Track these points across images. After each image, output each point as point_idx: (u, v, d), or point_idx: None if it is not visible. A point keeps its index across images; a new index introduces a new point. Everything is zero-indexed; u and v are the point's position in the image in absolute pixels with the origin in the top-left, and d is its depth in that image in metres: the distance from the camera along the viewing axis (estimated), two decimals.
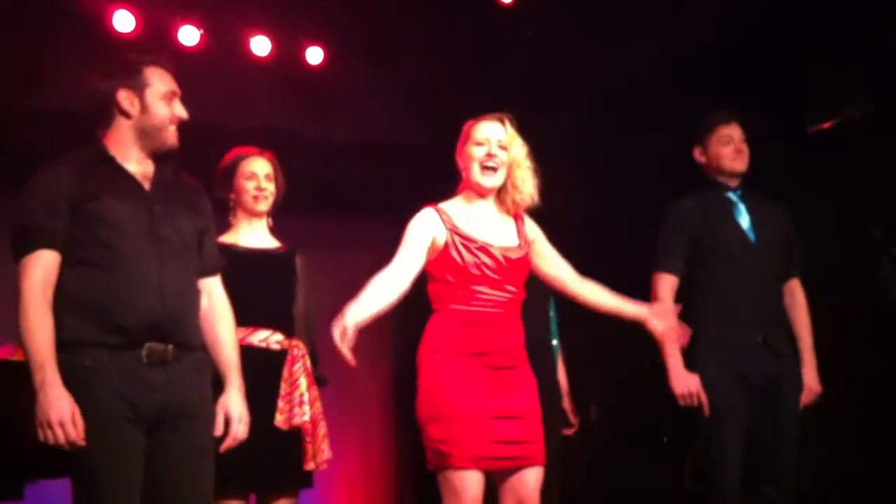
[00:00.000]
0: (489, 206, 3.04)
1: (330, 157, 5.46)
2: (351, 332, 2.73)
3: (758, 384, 3.46)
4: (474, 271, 2.92)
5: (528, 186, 3.02)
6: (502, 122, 3.02)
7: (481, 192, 3.02)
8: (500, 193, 3.04)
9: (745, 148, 3.63)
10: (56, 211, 2.58)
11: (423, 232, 2.97)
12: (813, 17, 4.21)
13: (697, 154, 3.70)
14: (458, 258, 2.92)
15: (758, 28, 4.44)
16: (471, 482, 2.81)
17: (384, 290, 2.87)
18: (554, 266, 3.13)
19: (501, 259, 2.94)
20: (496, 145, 2.99)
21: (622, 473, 5.16)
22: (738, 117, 3.66)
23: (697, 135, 3.69)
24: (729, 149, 3.63)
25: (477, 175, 2.99)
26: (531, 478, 2.91)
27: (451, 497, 2.83)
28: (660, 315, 3.08)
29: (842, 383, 3.97)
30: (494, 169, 2.98)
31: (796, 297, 3.68)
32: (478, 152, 2.98)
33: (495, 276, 2.93)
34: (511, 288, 2.97)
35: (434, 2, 4.79)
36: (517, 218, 3.09)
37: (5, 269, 2.71)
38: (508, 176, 3.01)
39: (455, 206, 3.02)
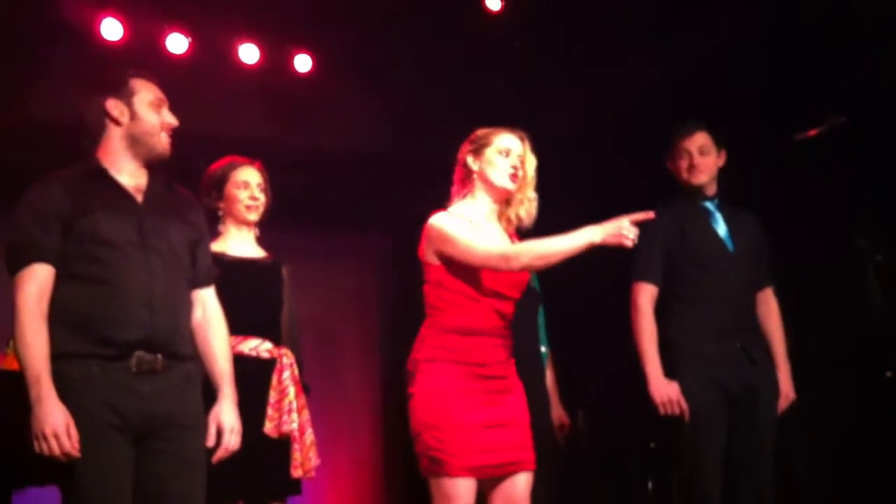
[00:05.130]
0: (493, 217, 3.09)
1: (317, 167, 5.47)
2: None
3: (736, 392, 3.49)
4: (486, 283, 2.96)
5: (533, 206, 3.10)
6: (521, 138, 3.09)
7: (500, 196, 3.07)
8: (502, 207, 3.09)
9: (701, 161, 3.65)
10: (49, 226, 2.62)
11: (469, 228, 2.98)
12: (802, 38, 4.25)
13: (668, 165, 3.75)
14: (476, 269, 2.95)
15: (749, 48, 4.49)
16: (464, 490, 2.86)
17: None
18: None
19: (510, 273, 2.97)
20: (517, 159, 3.06)
21: (610, 479, 5.18)
22: (702, 128, 3.68)
23: (667, 146, 3.74)
24: (684, 162, 3.67)
25: (504, 179, 3.03)
26: (521, 482, 2.96)
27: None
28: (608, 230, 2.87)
29: (825, 392, 4.00)
30: (515, 177, 3.05)
31: (770, 305, 3.71)
32: (502, 160, 3.04)
33: (505, 290, 2.98)
34: (514, 301, 3.03)
35: (424, 12, 4.80)
36: (512, 235, 3.13)
37: None
38: (517, 191, 3.07)
39: (469, 213, 3.05)
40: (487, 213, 3.07)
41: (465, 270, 2.95)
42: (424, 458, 2.91)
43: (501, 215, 3.11)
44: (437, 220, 3.01)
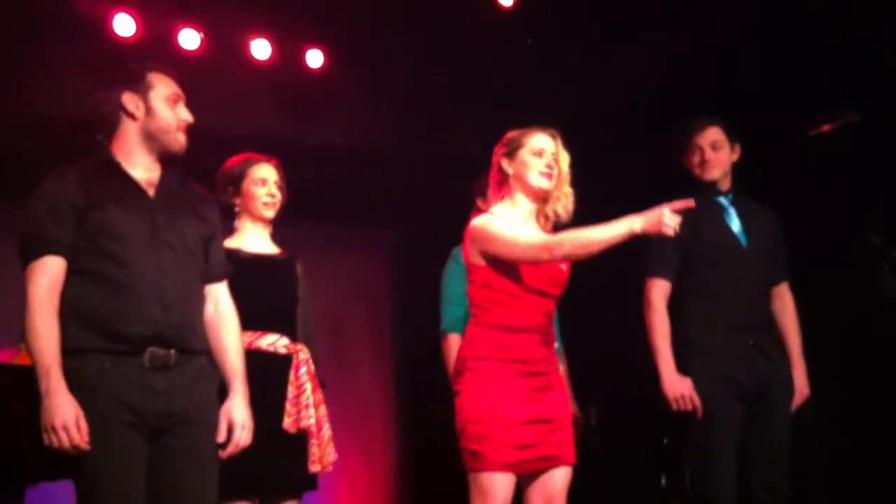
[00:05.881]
0: (531, 217, 3.11)
1: (328, 162, 5.48)
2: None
3: (749, 389, 3.49)
4: (531, 281, 2.99)
5: (570, 201, 3.12)
6: (553, 136, 3.12)
7: (537, 196, 3.09)
8: (540, 206, 3.11)
9: (713, 156, 3.64)
10: (62, 219, 2.61)
11: (510, 224, 3.02)
12: (801, 27, 4.25)
13: (682, 160, 3.73)
14: (519, 268, 2.98)
15: (751, 35, 4.47)
16: (500, 485, 2.89)
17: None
18: None
19: (552, 269, 3.03)
20: (551, 157, 3.08)
21: (623, 475, 5.18)
22: (714, 122, 3.67)
23: (679, 142, 3.73)
24: (696, 157, 3.67)
25: (539, 179, 3.06)
26: (559, 477, 3.01)
27: (480, 498, 2.90)
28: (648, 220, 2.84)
29: (836, 389, 3.99)
30: (551, 176, 3.07)
31: (785, 301, 3.71)
32: (536, 161, 3.06)
33: (547, 287, 3.02)
34: (555, 298, 3.07)
35: (436, 8, 4.80)
36: (549, 234, 3.14)
37: (3, 275, 2.74)
38: (556, 187, 3.10)
39: (508, 214, 3.08)
40: (526, 213, 3.10)
41: (509, 269, 2.98)
42: (466, 452, 2.95)
43: (539, 214, 3.13)
44: (480, 221, 3.05)
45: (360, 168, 5.60)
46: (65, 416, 2.48)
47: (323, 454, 3.35)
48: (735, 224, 3.64)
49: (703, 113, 3.74)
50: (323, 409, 3.41)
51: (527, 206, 3.11)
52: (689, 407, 3.46)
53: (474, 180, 3.72)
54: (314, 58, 5.13)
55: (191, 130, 2.85)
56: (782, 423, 3.54)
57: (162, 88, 2.78)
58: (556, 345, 3.98)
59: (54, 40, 4.59)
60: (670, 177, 3.77)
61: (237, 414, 2.79)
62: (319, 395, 3.41)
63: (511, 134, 3.15)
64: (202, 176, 3.27)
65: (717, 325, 3.54)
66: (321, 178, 5.34)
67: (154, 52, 4.52)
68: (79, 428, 2.49)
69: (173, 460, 2.65)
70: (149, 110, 2.75)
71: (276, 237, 3.58)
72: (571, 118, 5.16)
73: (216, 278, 2.89)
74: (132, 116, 2.75)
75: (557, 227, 3.15)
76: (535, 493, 3.01)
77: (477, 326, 3.04)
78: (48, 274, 2.59)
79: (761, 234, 3.65)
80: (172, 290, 2.67)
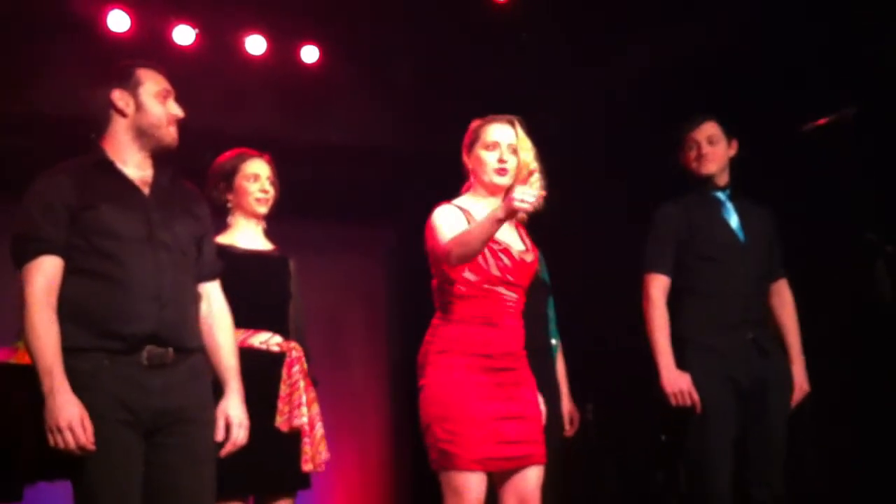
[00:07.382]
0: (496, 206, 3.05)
1: (323, 159, 5.46)
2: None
3: (746, 386, 3.48)
4: (495, 272, 2.94)
5: (534, 189, 3.01)
6: (512, 124, 3.04)
7: (493, 191, 3.03)
8: (507, 195, 3.02)
9: (709, 151, 3.64)
10: (56, 218, 2.60)
11: (460, 219, 2.96)
12: (801, 21, 4.24)
13: (680, 158, 3.73)
14: (481, 259, 2.92)
15: (750, 35, 4.47)
16: (474, 483, 2.85)
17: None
18: None
19: (518, 261, 2.98)
20: (507, 150, 3.00)
21: (619, 473, 5.17)
22: (710, 118, 3.67)
23: (676, 139, 3.72)
24: (693, 153, 3.66)
25: (491, 175, 3.00)
26: (532, 476, 2.95)
27: (454, 497, 2.86)
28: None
29: (833, 385, 3.99)
30: (506, 171, 3.00)
31: (784, 297, 3.70)
32: (488, 157, 3.00)
33: (511, 279, 2.96)
34: (521, 290, 3.01)
35: (432, 4, 4.79)
36: (518, 226, 3.11)
37: (3, 274, 2.72)
38: (515, 178, 3.01)
39: (469, 206, 3.03)
40: (488, 205, 3.00)
41: (473, 261, 2.91)
42: (434, 450, 2.89)
43: None
44: (433, 214, 2.99)
45: (358, 166, 5.59)
46: (69, 416, 2.47)
47: (315, 453, 3.33)
48: (733, 219, 3.64)
49: (693, 111, 3.73)
50: (315, 408, 3.38)
51: (487, 199, 3.04)
52: (688, 402, 3.45)
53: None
54: (309, 54, 5.11)
55: (185, 128, 2.83)
56: (779, 421, 3.53)
57: (151, 85, 2.76)
58: (553, 341, 4.00)
59: (49, 37, 4.59)
60: (670, 176, 3.76)
61: (233, 412, 2.78)
62: (312, 394, 3.39)
63: (472, 125, 3.08)
64: (197, 174, 3.25)
65: (715, 322, 3.53)
66: (318, 177, 5.33)
67: (148, 48, 4.52)
68: (84, 428, 2.48)
69: (170, 459, 2.63)
70: (139, 106, 2.74)
71: (273, 235, 3.57)
72: (571, 118, 5.19)
73: (208, 277, 2.88)
74: (122, 113, 2.74)
75: (532, 216, 3.05)
76: (509, 492, 2.95)
77: (440, 320, 2.99)
78: (44, 274, 2.58)
79: (758, 230, 3.65)
80: (168, 288, 2.66)
